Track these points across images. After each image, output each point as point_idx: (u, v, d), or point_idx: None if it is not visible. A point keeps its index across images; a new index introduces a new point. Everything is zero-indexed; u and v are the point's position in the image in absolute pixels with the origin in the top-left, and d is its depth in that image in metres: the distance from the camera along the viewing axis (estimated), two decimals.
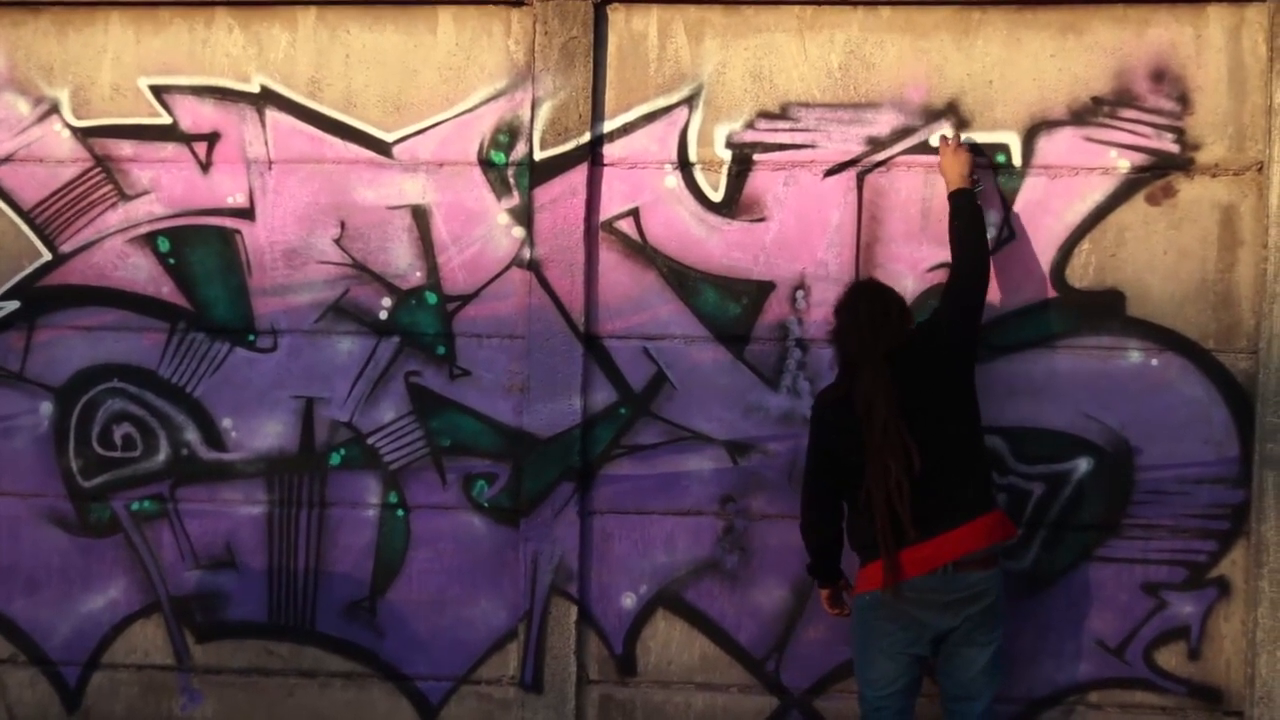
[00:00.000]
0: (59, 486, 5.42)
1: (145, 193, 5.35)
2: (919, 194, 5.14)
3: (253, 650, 5.42)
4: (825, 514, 4.72)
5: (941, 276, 5.08)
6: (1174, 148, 5.06)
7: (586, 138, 5.18)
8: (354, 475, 5.35)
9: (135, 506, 5.41)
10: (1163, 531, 5.12)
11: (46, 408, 5.41)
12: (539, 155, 5.19)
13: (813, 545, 4.81)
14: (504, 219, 5.26)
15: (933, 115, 5.12)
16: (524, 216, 5.24)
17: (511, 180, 5.25)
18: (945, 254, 5.04)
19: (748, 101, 5.18)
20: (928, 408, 4.51)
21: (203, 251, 5.35)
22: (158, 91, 5.33)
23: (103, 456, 5.41)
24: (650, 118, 5.21)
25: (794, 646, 5.27)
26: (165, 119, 5.33)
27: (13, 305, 5.38)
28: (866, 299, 4.67)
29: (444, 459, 5.32)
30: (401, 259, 5.29)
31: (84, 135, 5.35)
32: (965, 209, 4.85)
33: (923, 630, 4.55)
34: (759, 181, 5.19)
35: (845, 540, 4.76)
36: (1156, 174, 5.06)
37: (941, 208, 5.05)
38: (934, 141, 5.09)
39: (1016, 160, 5.09)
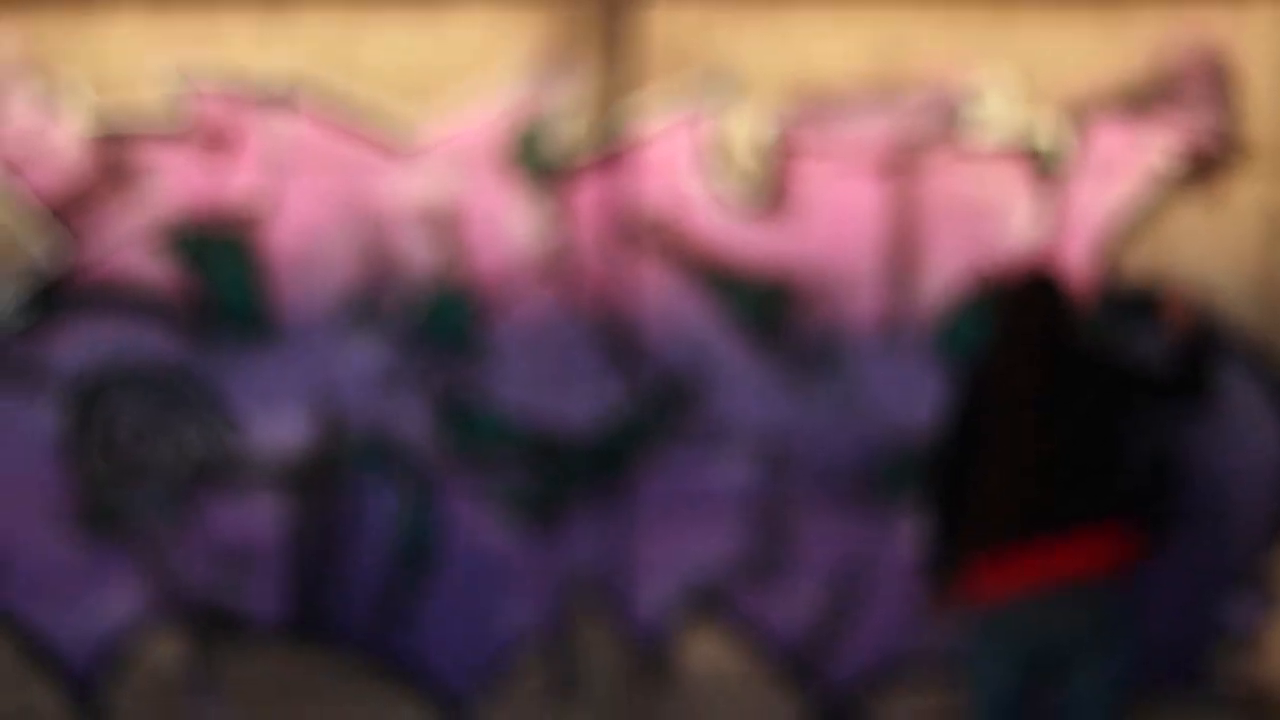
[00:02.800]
0: (73, 488, 5.42)
1: (161, 188, 5.35)
2: (957, 189, 5.16)
3: (273, 655, 5.43)
4: (947, 494, 4.65)
5: (981, 271, 5.12)
6: (1219, 142, 5.07)
7: (616, 134, 5.21)
8: (378, 478, 5.36)
9: (151, 508, 5.42)
10: (1213, 535, 5.13)
11: (60, 408, 5.41)
12: (568, 153, 5.22)
13: (937, 545, 4.71)
14: (531, 217, 5.28)
15: (972, 106, 5.14)
16: (552, 215, 5.26)
17: (539, 178, 5.27)
18: (984, 248, 5.12)
19: (781, 96, 5.20)
20: (1068, 413, 4.47)
21: (220, 248, 5.36)
22: (174, 84, 5.34)
23: (117, 458, 5.42)
24: (682, 113, 5.23)
25: (833, 652, 5.27)
26: (182, 113, 5.35)
27: (26, 302, 5.39)
28: (1032, 287, 4.61)
29: (471, 462, 5.33)
30: (425, 258, 5.31)
31: (98, 129, 5.36)
32: (1190, 364, 4.79)
33: (1036, 645, 4.50)
34: (793, 178, 5.21)
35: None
36: (1201, 168, 5.08)
37: (981, 201, 5.12)
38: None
39: (1058, 155, 5.11)
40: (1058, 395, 4.48)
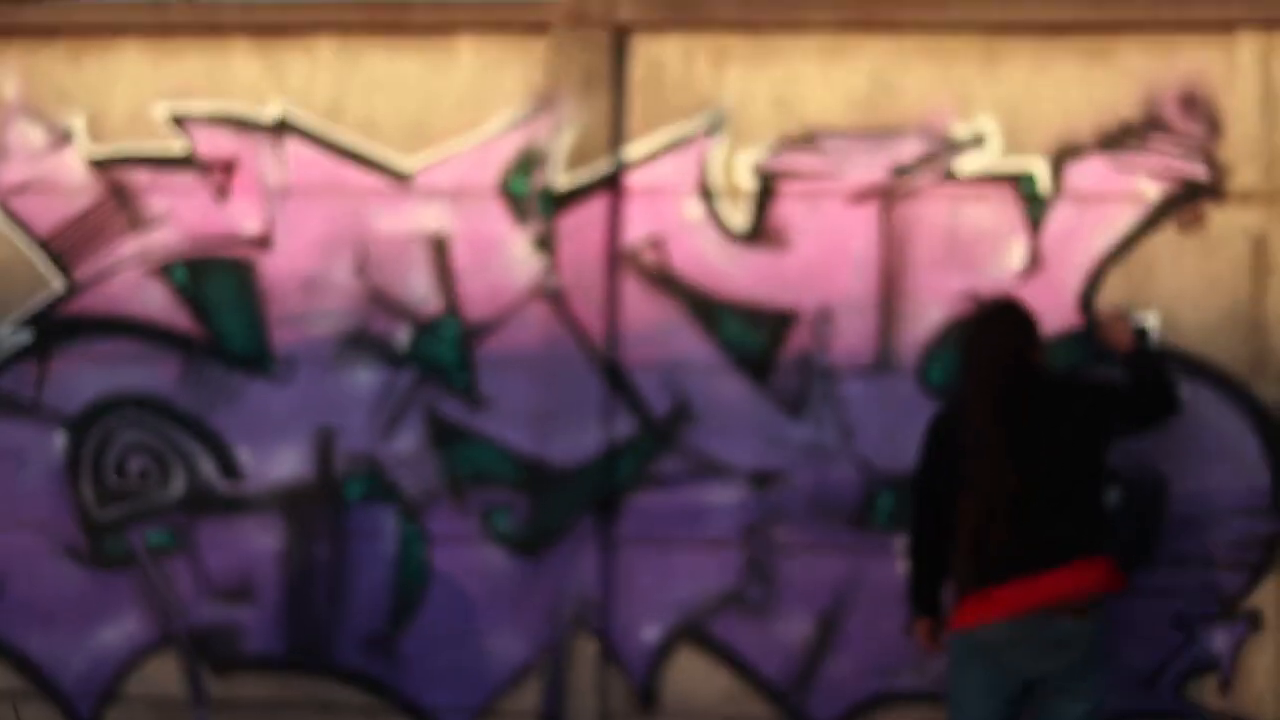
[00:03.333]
0: (73, 518, 5.53)
1: (161, 222, 5.47)
2: (945, 221, 5.22)
3: (270, 684, 5.51)
4: (929, 538, 4.74)
5: (968, 305, 5.16)
6: (1204, 175, 5.12)
7: (608, 166, 5.29)
8: (372, 507, 5.45)
9: (150, 538, 5.51)
10: (1194, 563, 5.17)
11: (60, 438, 5.52)
12: (560, 183, 5.31)
13: (915, 571, 4.82)
14: (525, 247, 5.37)
15: (958, 142, 5.21)
16: (545, 245, 5.34)
17: (532, 208, 5.35)
18: (971, 281, 5.19)
19: (771, 129, 5.28)
20: (1043, 445, 4.53)
21: (219, 281, 5.46)
22: (174, 119, 5.46)
23: (117, 488, 5.52)
24: (672, 146, 5.32)
25: (819, 680, 5.32)
26: (182, 147, 5.46)
27: (27, 335, 5.49)
28: (994, 318, 4.71)
29: (464, 490, 5.41)
30: (421, 288, 5.40)
31: (99, 164, 5.48)
32: (1145, 358, 4.87)
33: (1013, 674, 4.57)
34: (782, 210, 5.28)
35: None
36: (1186, 201, 5.13)
37: (968, 235, 5.20)
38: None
39: (1044, 187, 5.17)
40: (1032, 428, 4.53)
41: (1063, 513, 4.53)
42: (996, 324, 4.71)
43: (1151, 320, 5.12)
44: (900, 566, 5.24)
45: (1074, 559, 4.52)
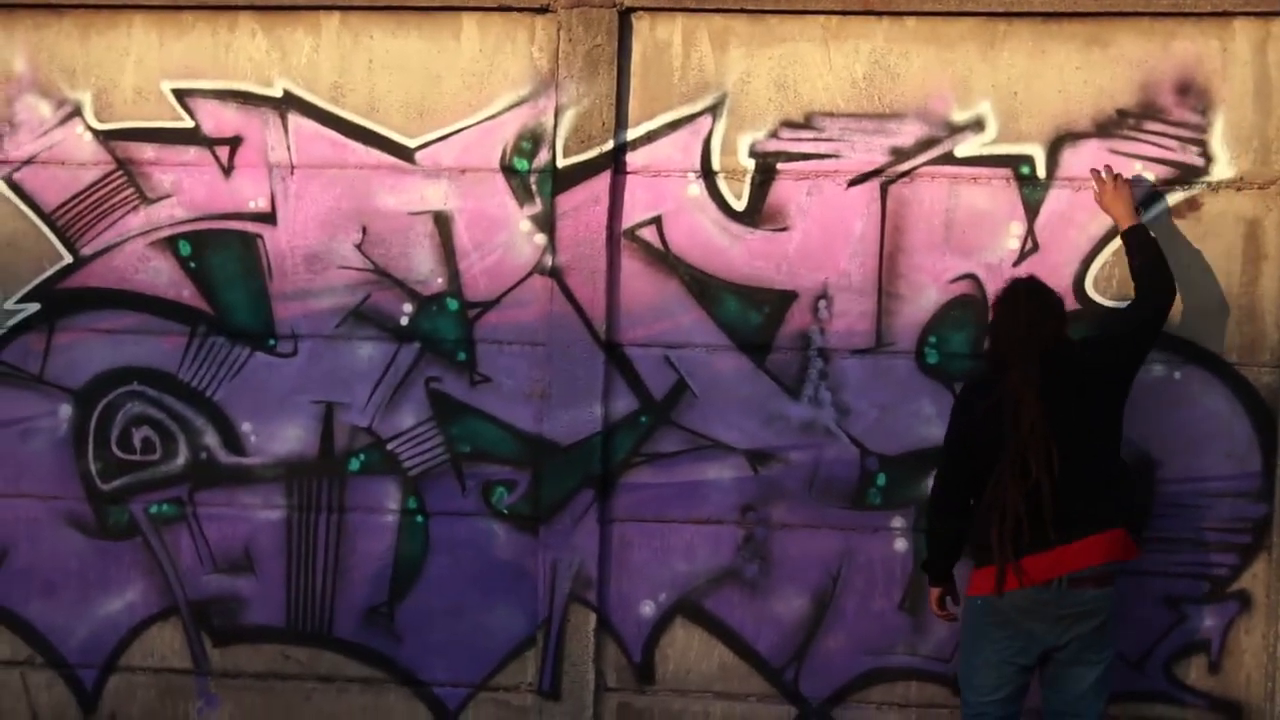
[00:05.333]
0: (77, 489, 5.63)
1: (167, 196, 5.55)
2: (943, 205, 5.33)
3: (270, 655, 5.64)
4: (954, 507, 4.83)
5: (965, 288, 5.31)
6: (1199, 161, 5.24)
7: (609, 145, 5.38)
8: (373, 481, 5.56)
9: (154, 510, 5.62)
10: (1184, 545, 5.31)
11: (66, 410, 5.62)
12: (562, 162, 5.39)
13: (936, 538, 4.93)
14: (526, 226, 5.46)
15: (957, 126, 5.32)
16: (546, 223, 5.43)
17: (534, 187, 5.45)
18: (968, 265, 5.31)
19: (772, 111, 5.38)
20: (1073, 416, 4.63)
21: (224, 256, 5.55)
22: (180, 95, 5.54)
23: (122, 460, 5.63)
24: (674, 126, 5.41)
25: (813, 656, 5.47)
26: (187, 123, 5.54)
27: (33, 307, 5.59)
28: (1027, 296, 4.80)
29: (464, 465, 5.52)
30: (423, 265, 5.50)
31: (106, 138, 5.56)
32: (1144, 244, 4.99)
33: (1030, 642, 4.67)
34: (782, 191, 5.39)
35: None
36: (1181, 187, 5.26)
37: (966, 219, 5.31)
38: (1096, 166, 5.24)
39: (1041, 172, 5.29)
40: (1065, 402, 4.62)
41: (1090, 483, 4.63)
42: (1036, 304, 4.78)
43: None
44: (897, 545, 5.40)
45: (1099, 529, 4.63)
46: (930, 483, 5.14)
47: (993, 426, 4.66)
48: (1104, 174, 5.15)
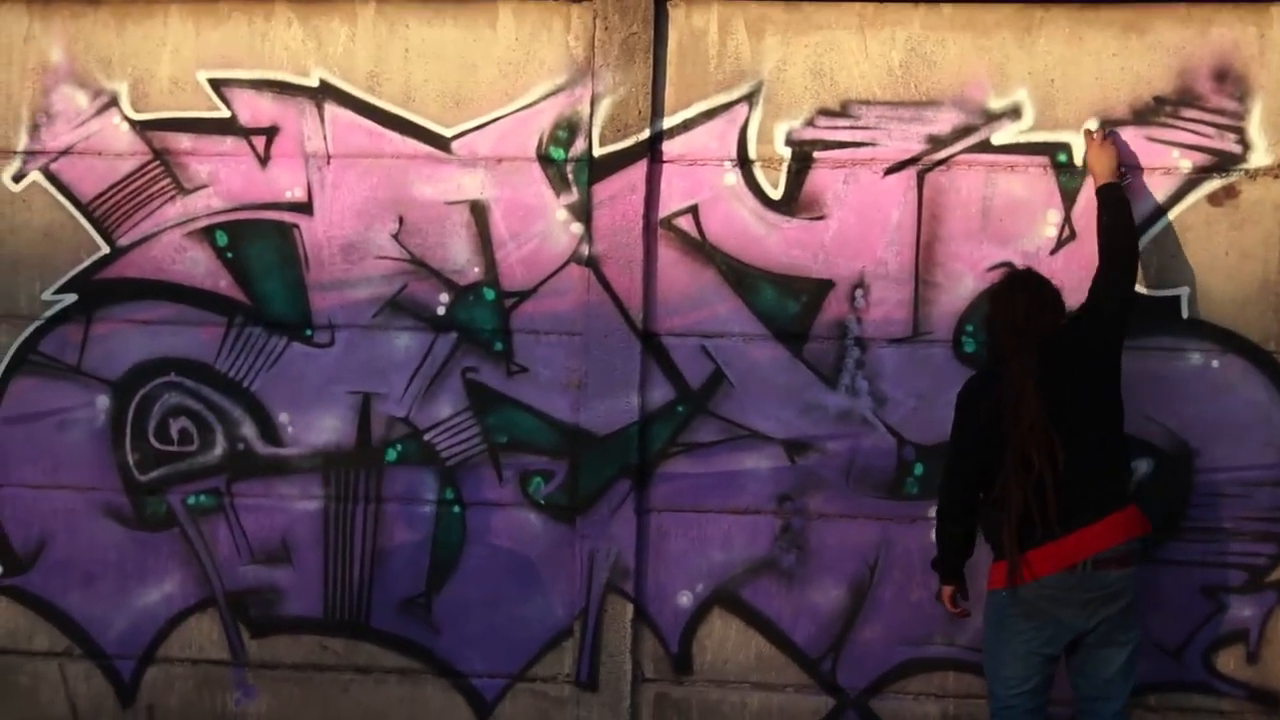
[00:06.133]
0: (115, 480, 5.67)
1: (203, 186, 5.59)
2: (980, 193, 5.36)
3: (307, 646, 5.67)
4: (963, 504, 4.85)
5: (1001, 275, 5.28)
6: (1236, 148, 5.27)
7: (646, 134, 5.41)
8: (410, 471, 5.59)
9: (191, 501, 5.66)
10: (1222, 534, 5.32)
11: (103, 401, 5.66)
12: (598, 151, 5.42)
13: (945, 536, 4.93)
14: (562, 215, 5.50)
15: (994, 114, 5.34)
16: (583, 213, 5.47)
17: (570, 176, 5.48)
18: (1004, 253, 5.33)
19: (808, 99, 5.41)
20: (1073, 400, 4.67)
21: (260, 246, 5.59)
22: (216, 85, 5.58)
23: (159, 450, 5.67)
24: (710, 114, 5.44)
25: (850, 646, 5.49)
26: (224, 112, 5.58)
27: (70, 298, 5.63)
28: (1023, 289, 4.87)
29: (501, 455, 5.56)
30: (459, 254, 5.53)
31: (142, 128, 5.60)
32: (1114, 202, 5.04)
33: (1059, 629, 4.68)
34: (819, 179, 5.41)
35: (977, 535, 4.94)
36: (1218, 174, 5.28)
37: (1003, 207, 5.32)
38: (1088, 129, 5.28)
39: (1078, 160, 5.30)
40: (1064, 391, 4.66)
41: (1096, 466, 4.65)
42: (1033, 296, 4.84)
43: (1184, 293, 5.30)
44: (933, 535, 5.41)
45: (1111, 511, 4.65)
46: None
47: (995, 422, 4.68)
48: (1092, 131, 5.21)
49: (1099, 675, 4.76)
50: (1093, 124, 5.27)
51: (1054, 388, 4.66)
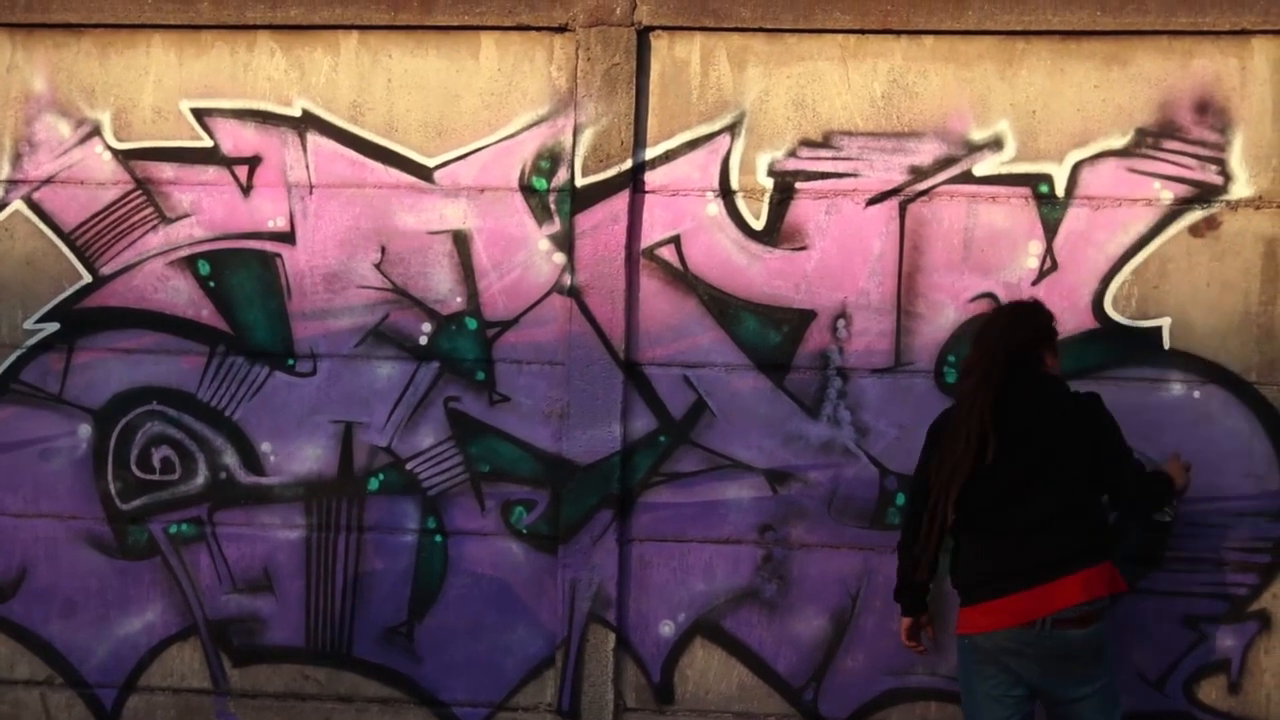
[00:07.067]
0: (97, 509, 5.70)
1: (186, 215, 5.62)
2: (961, 223, 5.39)
3: (289, 675, 5.69)
4: (913, 533, 4.79)
5: (984, 307, 5.34)
6: (1218, 179, 5.30)
7: (628, 164, 5.44)
8: (392, 500, 5.62)
9: (173, 529, 5.68)
10: (1203, 564, 5.34)
11: (85, 430, 5.68)
12: (580, 181, 5.45)
13: (901, 566, 4.90)
14: (545, 245, 5.53)
15: (975, 145, 5.38)
16: (565, 243, 5.50)
17: (553, 206, 5.51)
18: (986, 284, 5.37)
19: (790, 130, 5.44)
20: (1049, 452, 4.58)
21: (243, 275, 5.62)
22: (199, 114, 5.61)
23: (141, 479, 5.69)
24: (692, 145, 5.47)
25: (832, 676, 5.52)
26: (206, 142, 5.61)
27: (52, 327, 5.66)
28: (1010, 309, 4.88)
29: (483, 485, 5.58)
30: (442, 284, 5.56)
31: (125, 157, 5.63)
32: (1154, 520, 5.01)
33: (1018, 677, 4.63)
34: (801, 210, 5.45)
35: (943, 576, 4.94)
36: (1200, 206, 5.31)
37: (984, 238, 5.37)
38: None
39: (1060, 191, 5.34)
40: (1032, 428, 4.59)
41: (1064, 520, 4.58)
42: (1010, 320, 4.82)
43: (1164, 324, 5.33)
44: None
45: (1076, 567, 4.56)
46: None
47: (963, 456, 4.64)
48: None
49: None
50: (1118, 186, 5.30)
51: (1028, 427, 4.60)
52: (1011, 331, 4.77)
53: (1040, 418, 4.65)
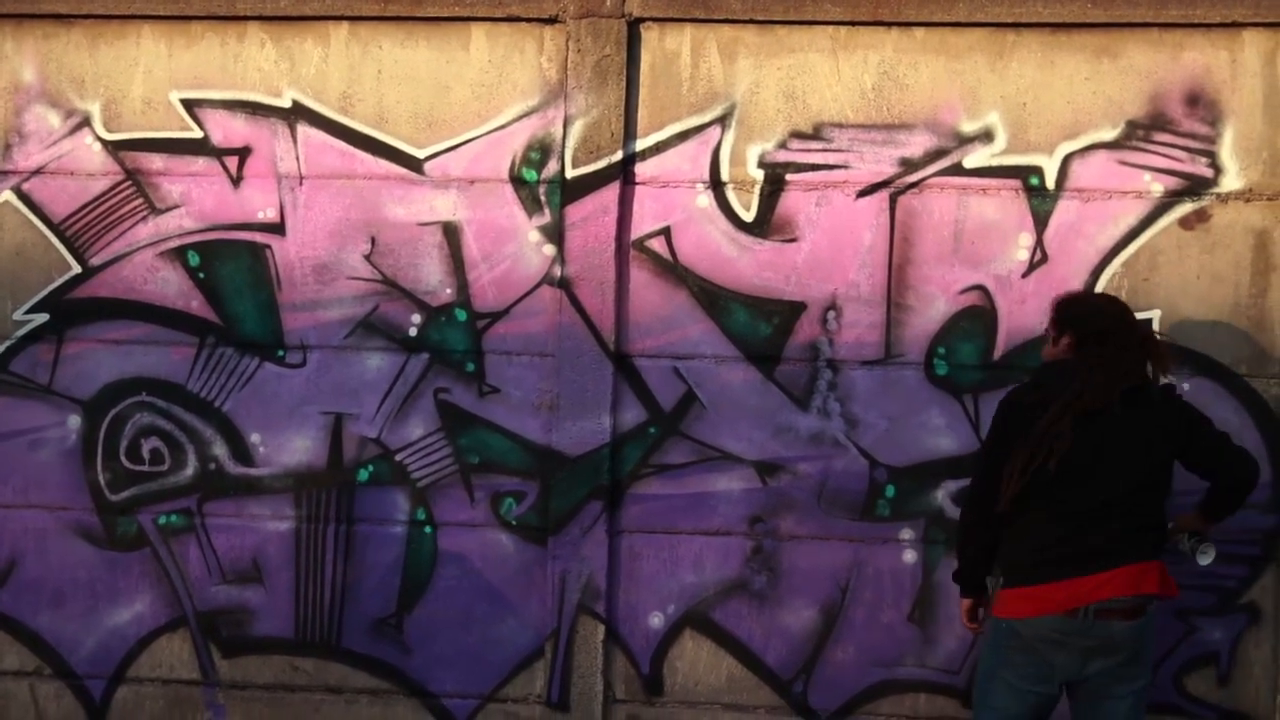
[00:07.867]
0: (86, 500, 5.72)
1: (176, 206, 5.64)
2: (952, 215, 5.42)
3: (278, 666, 5.72)
4: (987, 515, 4.60)
5: (974, 299, 5.39)
6: (1208, 172, 5.33)
7: (618, 156, 5.46)
8: (382, 492, 5.65)
9: (162, 521, 5.71)
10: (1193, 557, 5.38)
11: (75, 421, 5.70)
12: (571, 173, 5.47)
13: (966, 547, 4.73)
14: (535, 236, 5.55)
15: (966, 137, 5.41)
16: (555, 234, 5.52)
17: (543, 198, 5.54)
18: (977, 276, 5.40)
19: (780, 121, 5.47)
20: (1128, 452, 4.48)
21: (233, 266, 5.64)
22: (189, 105, 5.63)
23: (130, 470, 5.71)
24: (683, 136, 5.50)
25: (822, 668, 5.55)
26: (196, 133, 5.63)
27: (42, 318, 5.68)
28: (1130, 314, 4.65)
29: (472, 476, 5.61)
30: (432, 275, 5.58)
31: (115, 148, 5.65)
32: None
33: (1051, 671, 4.51)
34: (791, 202, 5.47)
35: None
36: (1190, 198, 5.34)
37: (975, 230, 5.39)
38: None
39: (1050, 183, 5.37)
40: (1117, 432, 4.48)
41: (1124, 513, 4.48)
42: (1132, 318, 4.65)
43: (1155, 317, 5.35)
44: (906, 556, 5.48)
45: (1130, 560, 4.48)
46: (939, 494, 5.25)
47: (1040, 444, 4.47)
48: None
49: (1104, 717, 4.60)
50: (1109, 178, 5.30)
51: (1107, 430, 4.47)
52: (1135, 370, 4.57)
53: (1125, 404, 4.50)
